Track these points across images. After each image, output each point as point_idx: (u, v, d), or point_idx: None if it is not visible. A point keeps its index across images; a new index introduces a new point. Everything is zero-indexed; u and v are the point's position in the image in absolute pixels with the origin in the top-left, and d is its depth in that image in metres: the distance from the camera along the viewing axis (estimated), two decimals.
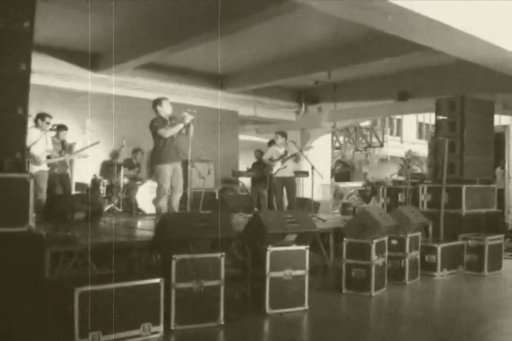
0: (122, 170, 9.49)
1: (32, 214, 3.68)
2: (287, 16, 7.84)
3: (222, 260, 4.30)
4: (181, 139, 6.49)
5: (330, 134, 17.17)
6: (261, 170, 10.20)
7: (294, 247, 4.81)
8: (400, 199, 8.52)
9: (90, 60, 10.48)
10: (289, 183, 8.83)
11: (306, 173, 9.69)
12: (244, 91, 13.64)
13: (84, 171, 9.76)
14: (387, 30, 7.15)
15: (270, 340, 4.36)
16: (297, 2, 6.42)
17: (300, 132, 15.48)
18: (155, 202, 6.53)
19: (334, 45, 10.21)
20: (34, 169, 6.76)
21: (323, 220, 7.83)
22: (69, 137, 8.43)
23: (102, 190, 9.36)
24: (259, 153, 11.19)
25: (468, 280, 6.54)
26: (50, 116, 7.33)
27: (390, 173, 19.10)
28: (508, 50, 7.52)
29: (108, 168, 9.72)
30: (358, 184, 19.44)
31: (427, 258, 6.50)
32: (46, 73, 10.04)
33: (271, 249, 4.63)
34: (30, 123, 6.59)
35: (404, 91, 12.55)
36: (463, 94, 7.88)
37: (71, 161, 8.36)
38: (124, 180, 9.46)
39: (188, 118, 6.27)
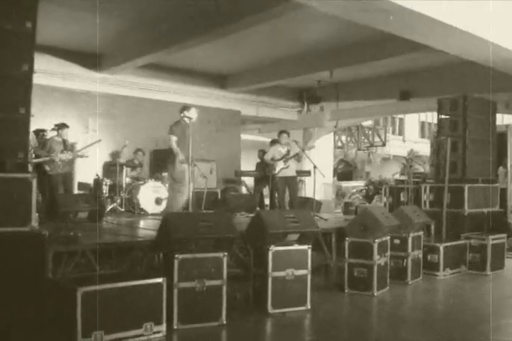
0: (125, 169, 9.51)
1: (35, 214, 3.69)
2: (289, 16, 7.85)
3: (225, 260, 4.30)
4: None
5: (332, 133, 17.17)
6: (263, 169, 10.20)
7: (296, 247, 4.81)
8: (402, 199, 8.52)
9: (93, 60, 10.50)
10: (292, 183, 8.83)
11: (308, 173, 9.69)
12: (247, 90, 13.65)
13: (86, 171, 9.80)
14: (389, 30, 7.15)
15: (272, 340, 4.37)
16: (299, 2, 6.42)
17: (302, 131, 15.49)
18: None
19: (336, 44, 10.22)
20: None
21: (326, 220, 7.83)
22: (71, 136, 8.45)
23: (105, 189, 9.38)
24: (262, 153, 11.20)
25: (471, 279, 6.52)
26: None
27: (392, 172, 19.11)
28: (511, 50, 7.51)
29: (110, 168, 9.73)
30: (360, 183, 19.46)
31: (429, 257, 6.49)
32: (49, 73, 10.06)
33: (273, 248, 4.63)
34: None
35: (406, 90, 12.56)
36: (465, 94, 7.86)
37: (73, 161, 8.36)
38: (126, 180, 9.48)
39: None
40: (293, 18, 8.23)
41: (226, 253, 4.32)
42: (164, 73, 11.96)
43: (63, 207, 6.10)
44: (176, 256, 4.09)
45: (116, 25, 8.97)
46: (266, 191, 10.87)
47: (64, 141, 8.11)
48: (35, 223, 3.68)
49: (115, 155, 10.29)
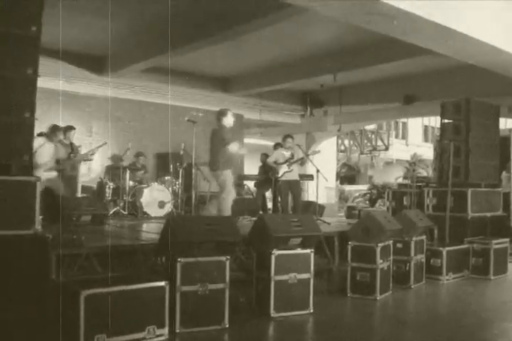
0: (128, 173, 9.51)
1: (38, 217, 3.70)
2: (293, 20, 7.87)
3: (227, 263, 4.30)
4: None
5: (335, 137, 17.20)
6: (266, 173, 10.20)
7: (299, 251, 4.81)
8: (405, 203, 8.50)
9: (97, 63, 10.54)
10: (295, 186, 8.83)
11: (311, 177, 9.69)
12: (250, 94, 13.67)
13: (90, 174, 9.82)
14: (392, 35, 7.15)
15: None
16: (303, 7, 6.43)
17: (305, 135, 15.50)
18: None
19: (340, 48, 10.23)
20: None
21: (328, 223, 7.82)
22: (75, 140, 8.46)
23: (108, 192, 9.39)
24: (265, 157, 11.19)
25: (474, 284, 6.50)
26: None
27: (395, 176, 19.13)
28: None
29: (113, 171, 9.74)
30: (363, 187, 19.48)
31: (432, 261, 6.47)
32: (53, 76, 10.09)
33: (276, 252, 4.63)
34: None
35: (409, 94, 12.57)
36: (468, 98, 7.86)
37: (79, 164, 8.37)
38: (129, 183, 9.49)
39: None
40: (296, 22, 8.25)
41: (229, 257, 4.32)
42: (168, 77, 11.99)
43: (67, 210, 6.11)
44: (179, 259, 4.09)
45: (120, 29, 9.00)
46: (268, 194, 10.86)
47: (71, 144, 8.11)
48: (38, 226, 3.69)
49: (116, 158, 10.29)
